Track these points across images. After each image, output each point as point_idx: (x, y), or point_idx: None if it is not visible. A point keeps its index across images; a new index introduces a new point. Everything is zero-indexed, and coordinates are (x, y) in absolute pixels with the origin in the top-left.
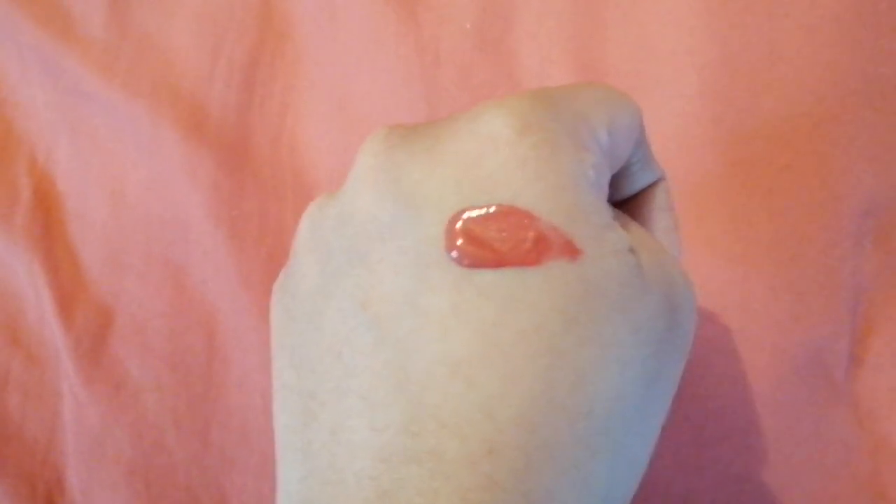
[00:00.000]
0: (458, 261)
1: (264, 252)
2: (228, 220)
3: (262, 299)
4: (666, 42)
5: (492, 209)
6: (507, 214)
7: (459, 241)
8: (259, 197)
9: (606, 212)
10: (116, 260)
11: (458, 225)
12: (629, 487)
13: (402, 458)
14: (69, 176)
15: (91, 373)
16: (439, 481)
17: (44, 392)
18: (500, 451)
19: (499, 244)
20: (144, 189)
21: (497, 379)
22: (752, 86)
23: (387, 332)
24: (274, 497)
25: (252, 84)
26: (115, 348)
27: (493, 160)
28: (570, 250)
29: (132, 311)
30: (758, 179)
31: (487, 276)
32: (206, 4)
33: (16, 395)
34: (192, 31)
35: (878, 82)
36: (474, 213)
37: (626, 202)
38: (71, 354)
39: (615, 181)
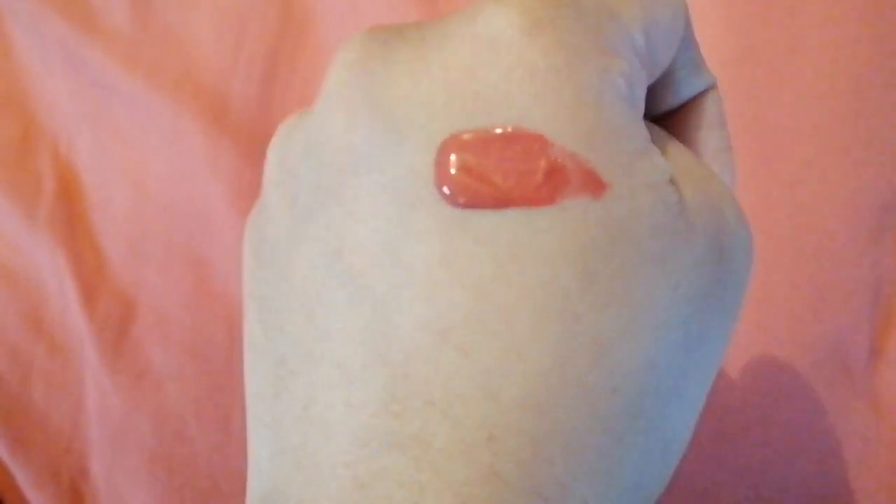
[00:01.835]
0: (451, 199)
1: None
2: (249, 210)
3: None
4: None
5: (493, 132)
6: (512, 139)
7: (452, 173)
8: None
9: (641, 133)
10: (138, 250)
11: (451, 153)
12: (664, 475)
13: (382, 443)
14: (92, 167)
15: (114, 362)
16: (426, 473)
17: (67, 381)
18: (501, 437)
19: (501, 177)
20: (166, 180)
21: (497, 349)
22: (773, 80)
23: (363, 289)
24: None
25: (273, 76)
26: (138, 338)
27: (494, 70)
28: (593, 184)
29: (154, 301)
30: (778, 173)
31: (486, 219)
32: None
33: (40, 384)
34: (214, 23)
35: None
36: (470, 138)
37: (667, 117)
38: (94, 344)
39: (655, 91)
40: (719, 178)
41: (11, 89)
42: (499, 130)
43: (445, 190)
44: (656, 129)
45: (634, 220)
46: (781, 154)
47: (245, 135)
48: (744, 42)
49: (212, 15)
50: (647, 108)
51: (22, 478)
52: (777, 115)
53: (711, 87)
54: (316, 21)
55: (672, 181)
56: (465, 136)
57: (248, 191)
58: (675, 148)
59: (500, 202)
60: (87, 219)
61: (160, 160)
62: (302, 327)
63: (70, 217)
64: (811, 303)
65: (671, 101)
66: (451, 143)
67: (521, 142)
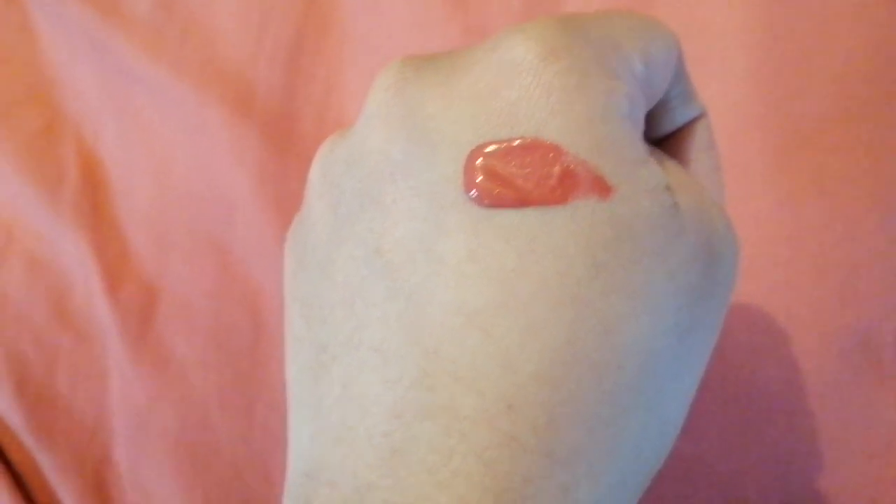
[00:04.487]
0: (478, 200)
1: None
2: (273, 199)
3: None
4: (714, 22)
5: (514, 143)
6: (531, 148)
7: (479, 178)
8: (304, 177)
9: (641, 146)
10: (162, 239)
11: (478, 161)
12: (662, 448)
13: (416, 413)
14: (116, 156)
15: (137, 351)
16: (455, 439)
17: (92, 370)
18: (520, 407)
19: (521, 181)
20: (190, 168)
21: (517, 330)
22: (801, 66)
23: (400, 281)
24: None
25: (297, 64)
26: (161, 326)
27: (515, 90)
28: (601, 187)
29: (178, 290)
30: (807, 160)
31: (508, 217)
32: None
33: (65, 373)
34: (238, 11)
35: None
36: (494, 148)
37: (664, 141)
38: (118, 332)
39: (652, 118)
40: (709, 191)
41: (37, 79)
42: (519, 141)
43: (473, 193)
44: (654, 149)
45: (636, 218)
46: (808, 141)
47: (269, 123)
48: (772, 28)
49: (235, 3)
50: (645, 134)
51: (47, 465)
52: (804, 102)
53: (702, 114)
54: (340, 8)
55: (668, 188)
56: (490, 147)
57: (271, 179)
58: (670, 164)
59: (521, 202)
60: (112, 207)
61: (184, 149)
62: (343, 318)
63: (94, 206)
64: (838, 291)
65: (667, 127)
66: (478, 153)
67: (539, 150)
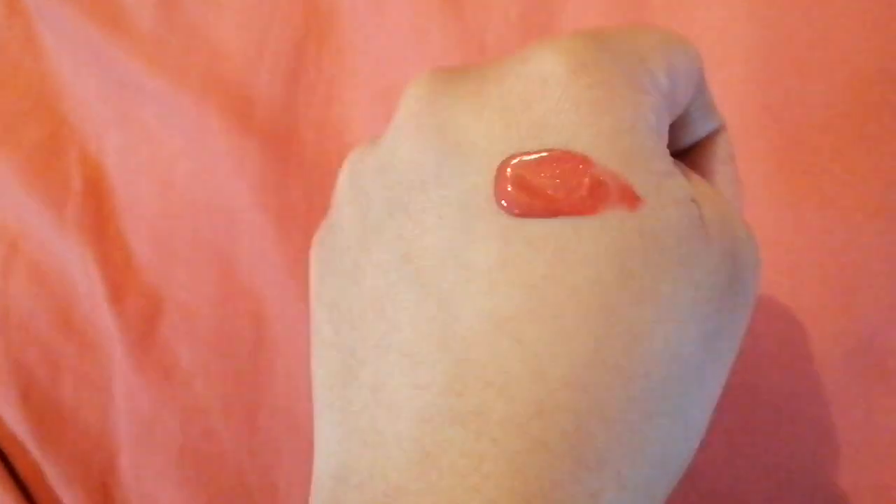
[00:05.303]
0: (508, 209)
1: (311, 241)
2: (275, 209)
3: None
4: (712, 29)
5: (544, 154)
6: (561, 159)
7: (509, 189)
8: (305, 186)
9: (667, 158)
10: (165, 249)
11: (508, 171)
12: (686, 454)
13: (446, 418)
14: (119, 166)
15: (141, 359)
16: (485, 443)
17: (96, 378)
18: (549, 412)
19: (552, 191)
20: (192, 179)
21: (546, 337)
22: (800, 71)
23: (430, 287)
24: None
25: (297, 74)
26: (165, 335)
27: (545, 102)
28: (630, 198)
29: (181, 299)
30: (807, 166)
31: (538, 227)
32: None
33: (70, 382)
34: (239, 22)
35: None
36: (525, 159)
37: (684, 153)
38: (122, 341)
39: (673, 131)
40: (731, 202)
41: (40, 90)
42: (549, 152)
43: (503, 203)
44: (678, 161)
45: (664, 229)
46: (809, 145)
47: (270, 133)
48: (770, 34)
49: (236, 14)
50: (668, 146)
51: (52, 474)
52: (804, 107)
53: (722, 127)
54: (340, 19)
55: (693, 200)
56: (521, 158)
57: (272, 188)
58: (693, 176)
59: (552, 212)
60: (115, 218)
61: (186, 159)
62: (372, 323)
63: (98, 216)
64: (841, 297)
65: (687, 139)
66: (509, 163)
67: (569, 162)
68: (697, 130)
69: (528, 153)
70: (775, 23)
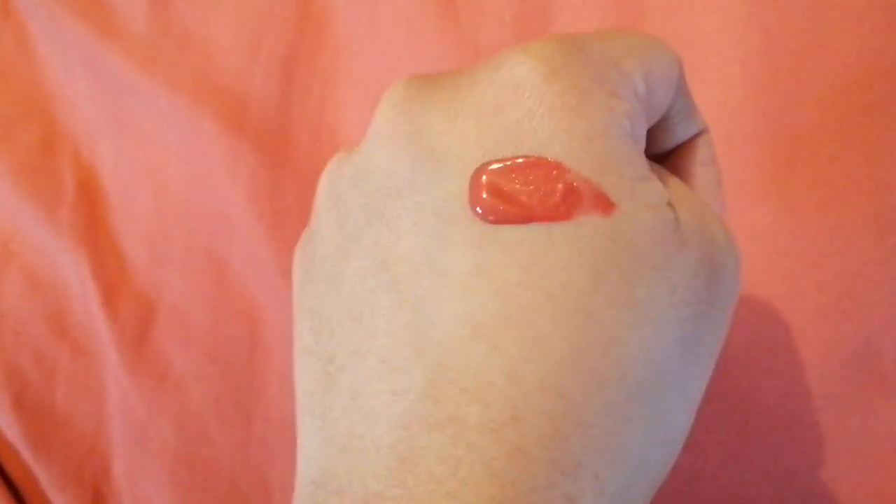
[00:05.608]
0: (483, 216)
1: None
2: (269, 212)
3: None
4: (709, 32)
5: (518, 161)
6: (534, 166)
7: (483, 195)
8: (299, 190)
9: (642, 163)
10: (159, 253)
11: (483, 178)
12: (666, 458)
13: (423, 424)
14: (112, 170)
15: (135, 364)
16: (461, 449)
17: (90, 383)
18: (525, 417)
19: (525, 198)
20: (186, 182)
21: (521, 342)
22: (797, 75)
23: (406, 293)
24: None
25: (291, 77)
26: (159, 340)
27: (518, 108)
28: (603, 203)
29: (175, 303)
30: (804, 170)
31: (512, 233)
32: None
33: (63, 386)
34: (232, 25)
35: None
36: (499, 166)
37: (665, 157)
38: (116, 346)
39: (654, 134)
40: (710, 205)
41: (33, 94)
42: (523, 159)
43: (478, 209)
44: (656, 165)
45: (638, 234)
46: (806, 150)
47: (263, 136)
48: (767, 37)
49: (230, 17)
50: (648, 149)
51: (45, 479)
52: (801, 111)
53: (703, 130)
54: (334, 22)
55: (669, 204)
56: (495, 164)
57: (266, 192)
58: (671, 179)
59: (526, 218)
60: (108, 221)
61: (179, 162)
62: (350, 329)
63: (91, 220)
64: (839, 302)
65: (669, 143)
66: (483, 170)
67: (543, 168)
68: (679, 134)
69: (503, 160)
70: (772, 26)
